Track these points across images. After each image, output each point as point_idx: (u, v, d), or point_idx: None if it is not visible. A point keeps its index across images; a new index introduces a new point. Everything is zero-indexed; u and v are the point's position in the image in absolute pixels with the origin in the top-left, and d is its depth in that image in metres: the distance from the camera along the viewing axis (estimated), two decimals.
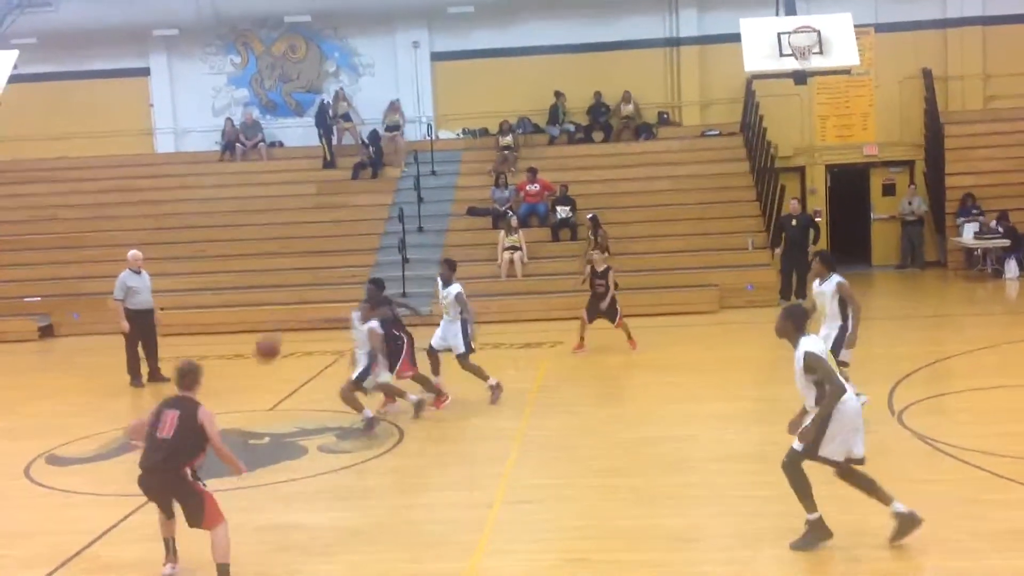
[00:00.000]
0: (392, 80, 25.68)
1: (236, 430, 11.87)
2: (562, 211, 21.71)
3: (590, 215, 20.72)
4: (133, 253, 15.42)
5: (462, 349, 12.61)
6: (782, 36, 16.45)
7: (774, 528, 7.72)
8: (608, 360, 15.21)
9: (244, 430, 11.88)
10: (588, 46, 25.08)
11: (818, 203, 24.81)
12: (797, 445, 7.32)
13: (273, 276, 21.30)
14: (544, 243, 21.48)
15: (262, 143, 25.56)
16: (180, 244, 22.36)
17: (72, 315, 20.32)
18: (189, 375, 7.50)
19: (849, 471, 7.39)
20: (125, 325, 14.91)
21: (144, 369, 15.13)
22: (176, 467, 7.27)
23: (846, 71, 17.57)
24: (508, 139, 24.18)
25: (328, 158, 24.60)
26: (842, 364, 9.55)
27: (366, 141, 24.49)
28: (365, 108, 25.44)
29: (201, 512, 7.26)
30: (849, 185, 25.29)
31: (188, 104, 26.28)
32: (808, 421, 7.30)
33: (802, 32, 16.50)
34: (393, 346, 12.07)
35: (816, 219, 22.19)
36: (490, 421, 11.93)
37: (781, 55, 16.40)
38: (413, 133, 25.27)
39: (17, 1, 22.95)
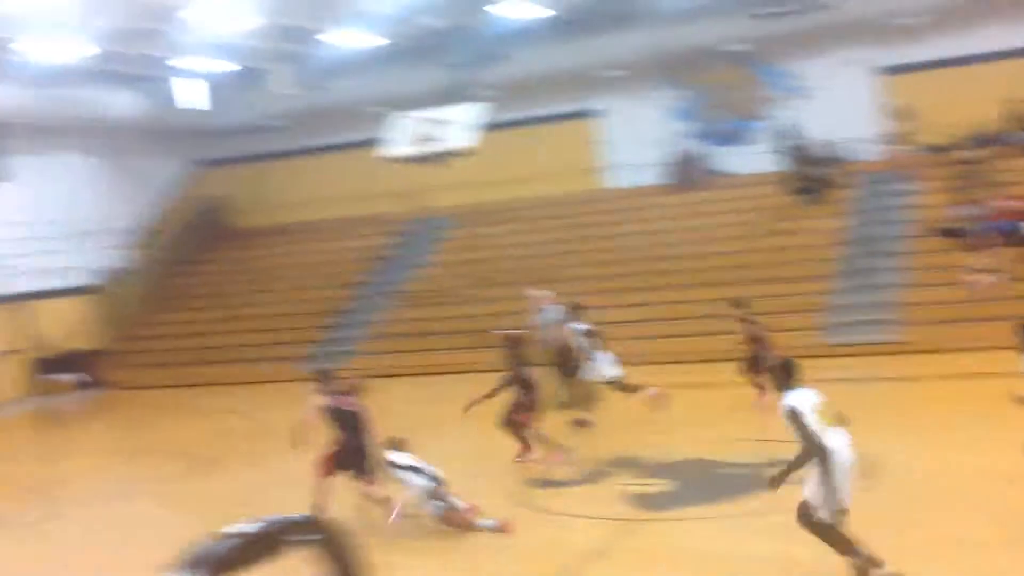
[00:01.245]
0: (836, 98, 24.90)
1: (706, 459, 12.02)
2: None
3: None
4: (534, 294, 16.67)
5: None
6: None
7: None
8: None
9: (714, 460, 11.97)
10: None
11: None
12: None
13: (720, 305, 21.32)
14: (1019, 264, 19.73)
15: (707, 173, 25.85)
16: (630, 276, 23.07)
17: None
18: None
19: None
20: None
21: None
22: None
23: None
24: (970, 153, 22.56)
25: (789, 183, 24.25)
26: None
27: (819, 163, 23.99)
28: (809, 129, 24.95)
29: None
30: None
31: (635, 140, 27.13)
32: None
33: None
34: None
35: None
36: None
37: None
38: (863, 153, 24.38)
39: (480, 57, 24.97)
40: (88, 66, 22.71)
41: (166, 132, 28.47)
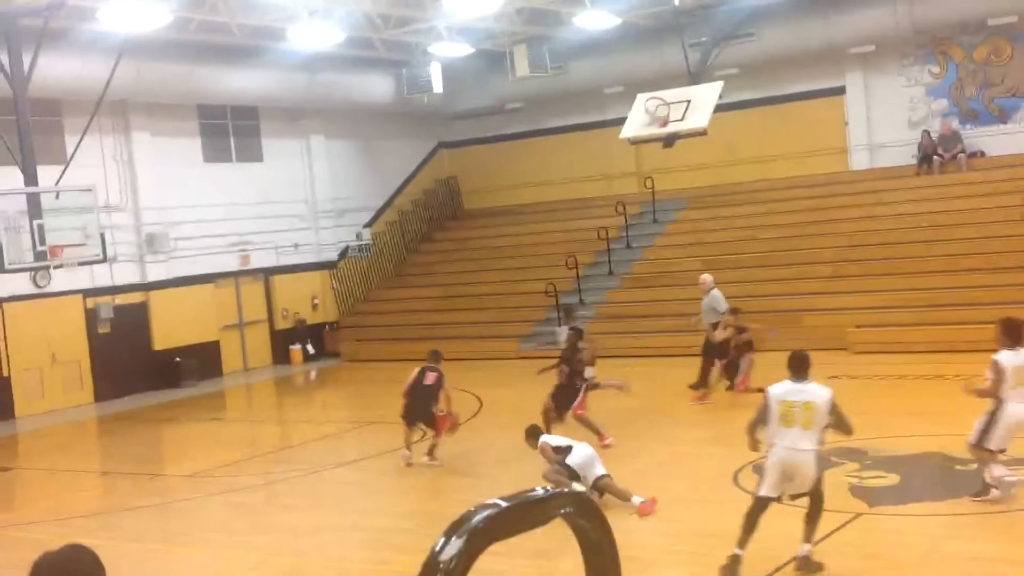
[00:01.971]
0: None
1: (939, 454, 11.37)
2: None
3: None
4: (703, 278, 16.84)
5: None
6: None
7: None
8: None
9: (948, 455, 11.28)
10: None
11: None
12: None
13: (974, 293, 20.04)
14: None
15: (962, 154, 24.30)
16: (874, 261, 22.00)
17: (771, 332, 20.86)
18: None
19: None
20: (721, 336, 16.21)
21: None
22: None
23: None
24: None
25: None
26: None
27: None
28: None
29: None
30: None
31: (883, 119, 25.81)
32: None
33: None
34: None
35: None
36: None
37: None
38: None
39: (722, 35, 24.44)
40: (336, 52, 23.78)
41: (406, 114, 29.34)
